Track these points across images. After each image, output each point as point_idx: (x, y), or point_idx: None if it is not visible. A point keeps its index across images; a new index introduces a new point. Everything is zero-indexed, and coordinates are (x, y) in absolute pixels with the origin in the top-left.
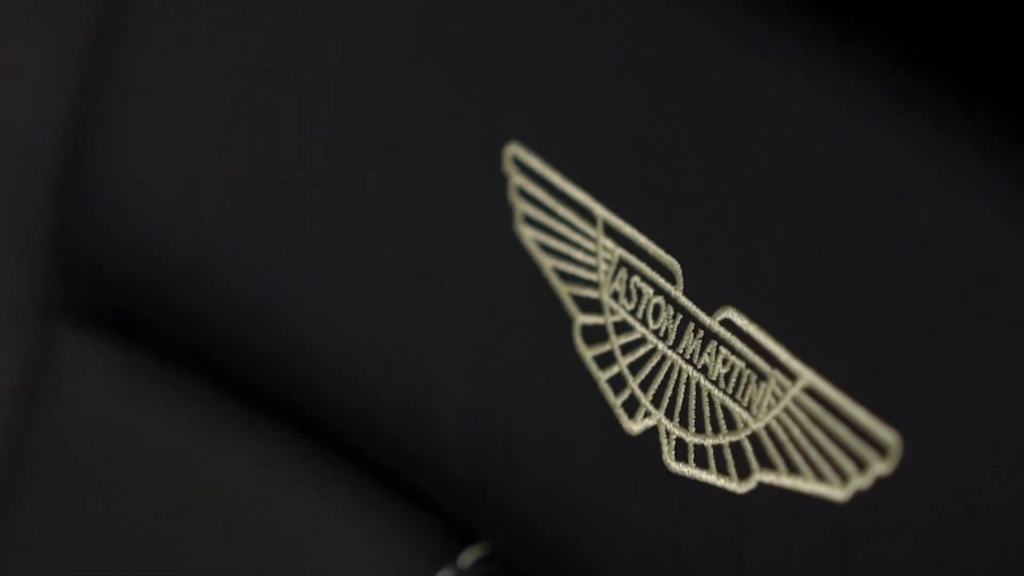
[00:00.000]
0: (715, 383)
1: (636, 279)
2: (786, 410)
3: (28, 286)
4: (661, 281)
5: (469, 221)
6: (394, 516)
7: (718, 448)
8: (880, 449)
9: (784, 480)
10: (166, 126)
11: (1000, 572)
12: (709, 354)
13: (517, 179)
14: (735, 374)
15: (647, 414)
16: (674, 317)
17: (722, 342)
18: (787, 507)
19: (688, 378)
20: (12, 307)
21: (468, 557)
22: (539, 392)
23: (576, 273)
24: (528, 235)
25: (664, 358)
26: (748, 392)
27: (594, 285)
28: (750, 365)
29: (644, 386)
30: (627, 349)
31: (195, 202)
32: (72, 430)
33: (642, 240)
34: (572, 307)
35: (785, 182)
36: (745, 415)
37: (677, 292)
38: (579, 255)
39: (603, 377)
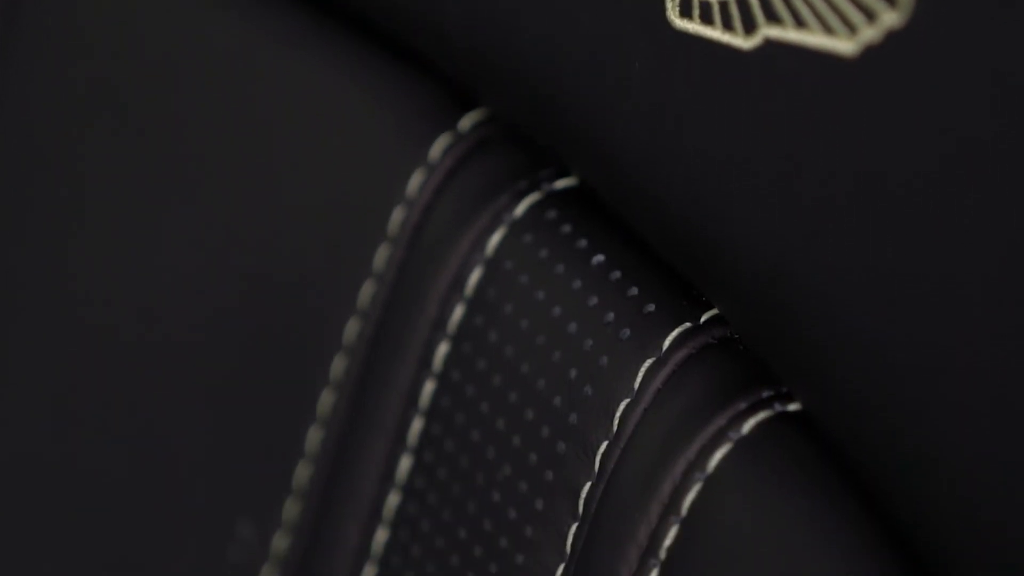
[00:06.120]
0: None
1: None
2: None
3: None
4: None
5: None
6: (396, 82)
7: (723, 3)
8: None
9: (791, 34)
10: None
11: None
12: None
13: None
14: None
15: None
16: None
17: None
18: (794, 64)
19: None
20: None
21: (468, 121)
22: None
23: None
24: None
25: None
26: None
27: None
28: None
29: None
30: None
31: None
32: (59, 8)
33: None
34: None
35: None
36: None
37: None
38: None
39: None
